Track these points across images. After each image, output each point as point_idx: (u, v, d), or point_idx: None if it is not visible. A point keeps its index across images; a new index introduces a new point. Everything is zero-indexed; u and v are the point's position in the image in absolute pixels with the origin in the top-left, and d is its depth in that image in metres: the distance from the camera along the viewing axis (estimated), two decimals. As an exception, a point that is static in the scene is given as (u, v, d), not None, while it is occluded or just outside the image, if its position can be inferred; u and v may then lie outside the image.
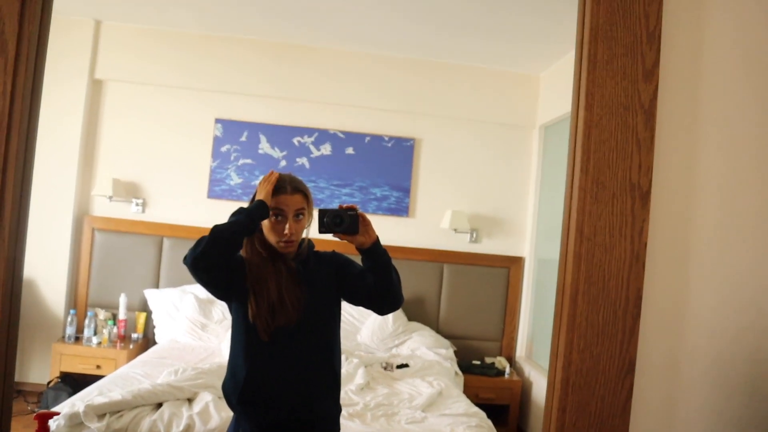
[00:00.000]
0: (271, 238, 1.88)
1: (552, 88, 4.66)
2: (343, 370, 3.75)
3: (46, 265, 4.48)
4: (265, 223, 1.88)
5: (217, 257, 1.79)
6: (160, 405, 3.02)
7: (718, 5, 1.25)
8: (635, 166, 1.13)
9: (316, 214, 1.91)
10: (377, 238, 1.87)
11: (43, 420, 1.42)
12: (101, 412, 2.83)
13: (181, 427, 2.82)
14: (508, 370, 4.55)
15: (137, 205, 4.72)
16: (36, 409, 4.04)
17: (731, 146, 1.25)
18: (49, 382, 4.16)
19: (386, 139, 4.81)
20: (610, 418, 1.13)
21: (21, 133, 1.08)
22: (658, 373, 1.20)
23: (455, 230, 4.79)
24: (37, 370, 4.43)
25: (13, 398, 1.14)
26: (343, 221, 1.82)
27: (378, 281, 1.88)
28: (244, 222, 1.80)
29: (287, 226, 1.86)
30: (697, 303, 1.23)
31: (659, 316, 1.20)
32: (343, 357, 3.96)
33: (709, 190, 1.24)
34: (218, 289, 1.91)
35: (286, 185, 1.90)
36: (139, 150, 4.73)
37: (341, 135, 4.78)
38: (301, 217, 1.91)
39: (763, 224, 1.25)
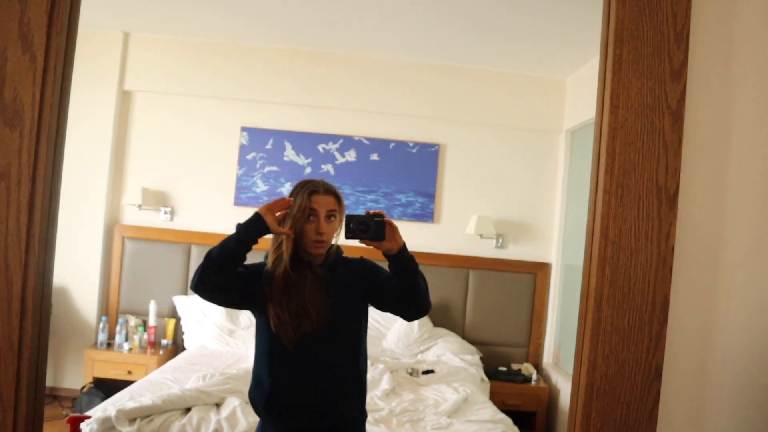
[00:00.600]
0: (303, 239, 1.90)
1: (578, 92, 4.62)
2: (369, 376, 3.75)
3: (78, 273, 4.57)
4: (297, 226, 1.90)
5: (215, 278, 1.83)
6: (188, 410, 3.06)
7: (749, 2, 1.22)
8: (662, 169, 1.11)
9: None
10: (404, 244, 1.87)
11: (75, 423, 1.45)
12: (132, 417, 2.87)
13: (210, 431, 2.84)
14: (534, 376, 4.51)
15: (166, 213, 4.79)
16: (70, 414, 4.12)
17: (764, 148, 1.22)
18: (82, 388, 4.24)
19: (411, 144, 4.81)
20: (636, 424, 1.11)
21: (50, 142, 1.10)
22: (686, 381, 1.18)
23: (481, 236, 4.76)
24: (71, 375, 4.51)
25: (44, 403, 1.16)
26: (369, 228, 1.82)
27: (405, 287, 1.88)
28: (234, 237, 1.83)
29: (320, 225, 1.88)
30: (726, 309, 1.20)
31: (687, 322, 1.17)
32: (368, 363, 3.96)
33: (741, 194, 1.21)
34: (233, 306, 1.95)
35: (319, 186, 1.93)
36: (166, 159, 4.80)
37: (366, 141, 4.80)
38: (333, 218, 1.92)
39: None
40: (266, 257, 1.99)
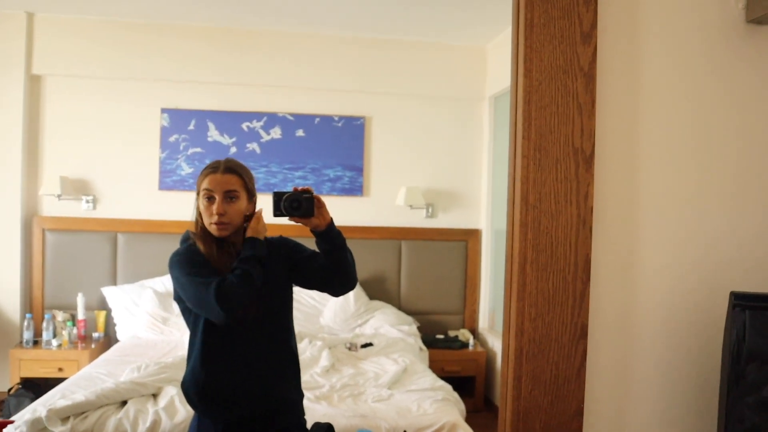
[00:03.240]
0: (205, 220, 1.86)
1: (499, 58, 4.67)
2: (308, 353, 3.74)
3: (-5, 270, 4.34)
4: (200, 207, 1.86)
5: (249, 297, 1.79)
6: (125, 403, 2.97)
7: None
8: (577, 131, 1.13)
9: (269, 198, 1.87)
10: (332, 219, 1.85)
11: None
12: (65, 415, 2.78)
13: (148, 424, 2.78)
14: (471, 342, 4.61)
15: (87, 202, 4.59)
16: (-5, 418, 3.95)
17: (672, 106, 1.26)
18: (9, 389, 4.06)
19: (336, 119, 4.76)
20: (566, 383, 1.15)
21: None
22: (611, 336, 1.22)
23: (411, 206, 4.79)
24: (-5, 378, 4.31)
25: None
26: (301, 205, 1.79)
27: (333, 263, 1.86)
28: (256, 262, 1.81)
29: (217, 206, 1.82)
30: (645, 264, 1.24)
31: (609, 279, 1.21)
32: (306, 340, 3.96)
33: (653, 152, 1.24)
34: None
35: (218, 165, 1.88)
36: (85, 145, 4.59)
37: (290, 117, 4.72)
38: (234, 198, 1.85)
39: (706, 182, 1.27)
40: (184, 240, 1.93)
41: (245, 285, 1.75)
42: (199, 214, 1.88)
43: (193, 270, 1.81)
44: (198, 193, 1.88)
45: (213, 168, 1.87)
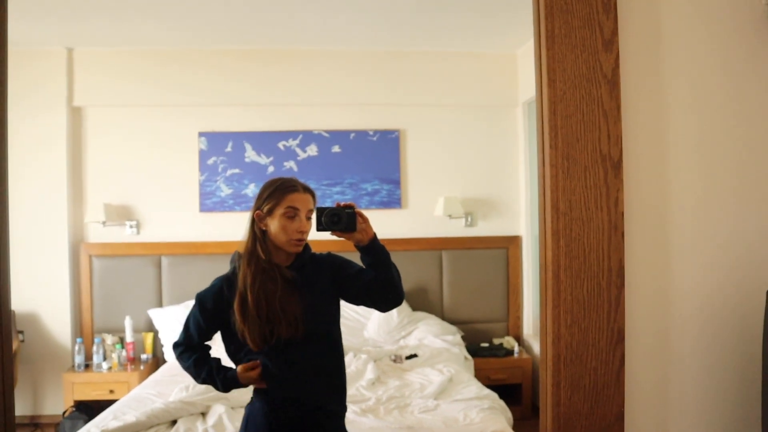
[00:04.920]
0: (281, 238, 1.88)
1: (530, 64, 4.61)
2: (353, 367, 3.77)
3: (47, 297, 4.50)
4: (275, 225, 1.88)
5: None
6: (174, 422, 3.04)
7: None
8: (604, 137, 1.13)
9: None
10: (375, 234, 1.87)
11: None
12: (116, 436, 2.85)
13: (197, 442, 2.84)
14: (516, 349, 4.57)
15: (131, 227, 4.72)
16: (53, 441, 4.07)
17: (700, 107, 1.25)
18: (64, 412, 4.18)
19: (371, 133, 4.81)
20: (605, 388, 1.14)
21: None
22: (649, 340, 1.21)
23: (450, 216, 4.80)
24: (51, 401, 4.45)
25: (15, 429, 1.14)
26: (341, 219, 1.82)
27: (378, 278, 1.88)
28: (211, 384, 2.01)
29: (302, 224, 1.88)
30: (679, 267, 1.23)
31: (644, 283, 1.21)
32: (351, 354, 3.98)
33: (683, 154, 1.24)
34: None
35: (296, 184, 1.93)
36: (126, 172, 4.73)
37: (326, 134, 4.78)
38: (310, 218, 1.92)
39: (738, 182, 1.26)
40: (232, 261, 1.97)
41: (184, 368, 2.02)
42: (254, 234, 1.91)
43: (189, 320, 1.99)
44: (268, 211, 1.90)
45: (292, 186, 1.92)
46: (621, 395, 1.14)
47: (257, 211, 1.92)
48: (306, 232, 1.90)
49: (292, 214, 1.87)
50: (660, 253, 1.22)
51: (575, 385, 1.14)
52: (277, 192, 1.90)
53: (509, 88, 4.85)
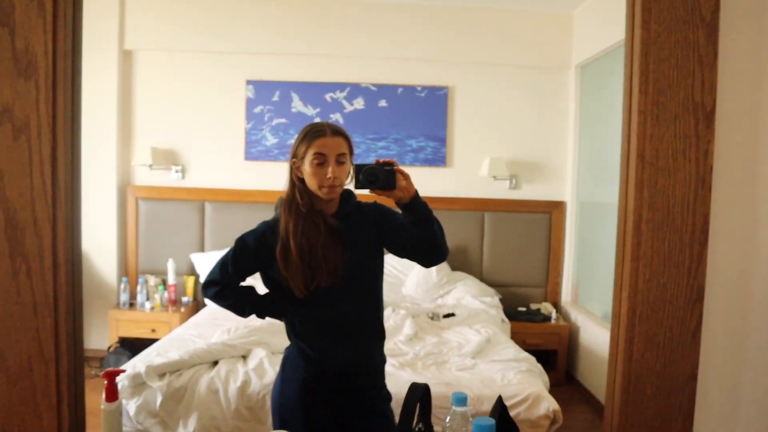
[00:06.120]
0: (312, 184, 1.83)
1: (586, 25, 4.49)
2: (391, 322, 3.78)
3: (96, 237, 4.59)
4: (307, 171, 1.84)
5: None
6: (216, 363, 3.10)
7: None
8: (698, 85, 1.07)
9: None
10: (416, 192, 1.81)
11: (111, 378, 1.46)
12: (161, 372, 2.92)
13: (239, 383, 2.89)
14: (554, 315, 4.53)
15: (177, 171, 4.77)
16: (99, 374, 4.20)
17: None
18: (109, 347, 4.31)
19: (419, 89, 4.73)
20: (680, 347, 1.10)
21: (66, 92, 1.07)
22: (729, 300, 1.16)
23: (494, 177, 4.72)
24: (96, 336, 4.58)
25: (84, 355, 1.16)
26: (378, 178, 1.76)
27: (420, 235, 1.83)
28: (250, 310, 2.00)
29: (330, 169, 1.81)
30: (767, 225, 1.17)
31: (728, 241, 1.15)
32: (389, 309, 3.99)
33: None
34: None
35: (324, 128, 1.85)
36: (174, 117, 4.76)
37: (373, 88, 4.72)
38: (343, 161, 1.85)
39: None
40: (276, 208, 1.95)
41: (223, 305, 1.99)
42: (293, 182, 1.88)
43: (229, 260, 1.94)
44: (301, 158, 1.85)
45: (320, 131, 1.84)
46: (696, 355, 1.10)
47: (293, 159, 1.88)
48: (337, 178, 1.82)
49: (321, 160, 1.81)
50: (748, 210, 1.16)
51: (649, 342, 1.10)
52: (306, 138, 1.84)
53: (563, 49, 4.71)
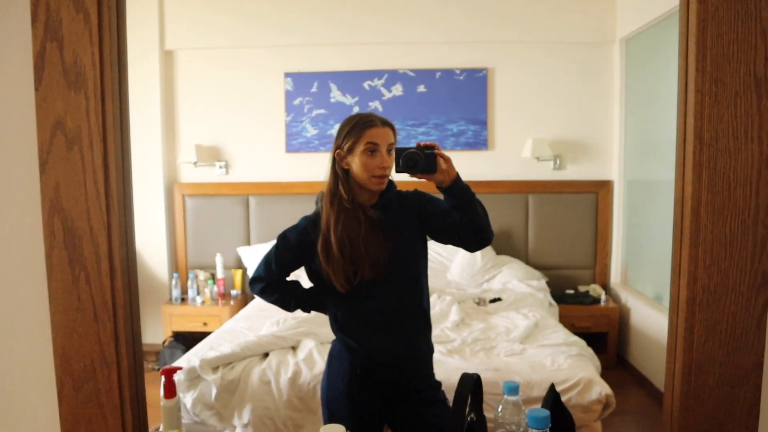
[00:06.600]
0: (362, 174, 1.83)
1: (630, -3, 4.36)
2: (437, 308, 3.78)
3: (147, 234, 4.71)
4: (356, 163, 1.83)
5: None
6: (266, 355, 3.15)
7: None
8: (760, 59, 1.01)
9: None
10: (457, 175, 1.79)
11: (169, 375, 1.50)
12: (215, 365, 2.99)
13: (289, 374, 2.93)
14: (603, 297, 4.45)
15: (220, 167, 4.84)
16: (156, 367, 4.32)
17: None
18: (164, 342, 4.42)
19: (457, 72, 4.67)
20: (743, 335, 1.06)
21: (114, 101, 1.09)
22: (796, 285, 1.11)
23: (538, 159, 4.65)
24: (151, 331, 4.71)
25: (143, 356, 1.19)
26: (418, 162, 1.75)
27: (463, 218, 1.80)
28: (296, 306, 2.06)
29: (384, 159, 1.82)
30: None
31: (793, 222, 1.10)
32: (435, 295, 3.99)
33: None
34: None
35: (374, 119, 1.85)
36: (216, 114, 4.82)
37: (411, 74, 4.69)
38: (391, 151, 1.85)
39: None
40: (317, 202, 1.95)
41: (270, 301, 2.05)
42: (336, 174, 1.87)
43: (272, 256, 1.97)
44: (348, 149, 1.84)
45: (370, 121, 1.84)
46: (761, 343, 1.06)
47: (337, 150, 1.87)
48: (388, 168, 1.83)
49: (372, 149, 1.81)
50: (814, 190, 1.10)
51: (710, 330, 1.06)
52: (356, 128, 1.84)
53: (606, 23, 4.57)
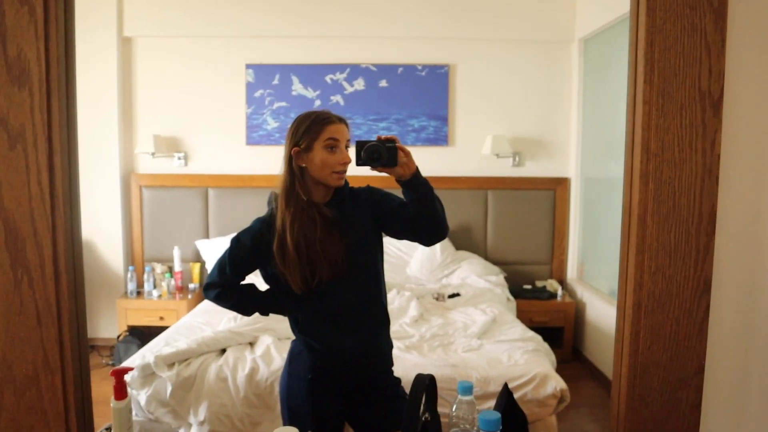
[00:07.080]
0: (322, 171, 1.81)
1: (590, -3, 4.42)
2: (396, 304, 3.79)
3: (101, 226, 4.60)
4: (316, 159, 1.81)
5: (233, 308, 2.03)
6: (223, 351, 3.12)
7: None
8: (705, 73, 1.04)
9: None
10: (417, 168, 1.78)
11: (119, 376, 1.47)
12: (170, 362, 2.94)
13: (246, 370, 2.90)
14: (560, 292, 4.53)
15: (179, 158, 4.75)
16: (110, 362, 4.24)
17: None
18: (118, 336, 4.34)
19: (419, 68, 4.68)
20: (686, 339, 1.10)
21: (61, 98, 1.06)
22: (736, 292, 1.14)
23: (497, 155, 4.69)
24: (106, 325, 4.62)
25: (89, 361, 1.16)
26: (381, 155, 1.73)
27: (421, 212, 1.80)
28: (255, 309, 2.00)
29: (343, 155, 1.82)
30: (774, 214, 1.15)
31: (735, 232, 1.13)
32: (394, 291, 4.00)
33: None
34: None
35: (331, 116, 1.84)
36: (175, 104, 4.73)
37: (373, 68, 4.67)
38: (349, 148, 1.85)
39: None
40: (269, 202, 1.93)
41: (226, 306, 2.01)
42: (292, 172, 1.84)
43: (226, 261, 1.93)
44: (306, 146, 1.82)
45: (327, 118, 1.83)
46: (703, 347, 1.10)
47: (294, 148, 1.84)
48: (347, 163, 1.83)
49: (332, 145, 1.80)
50: (755, 201, 1.14)
51: (655, 335, 1.09)
52: (315, 125, 1.82)
53: (566, 23, 4.64)
